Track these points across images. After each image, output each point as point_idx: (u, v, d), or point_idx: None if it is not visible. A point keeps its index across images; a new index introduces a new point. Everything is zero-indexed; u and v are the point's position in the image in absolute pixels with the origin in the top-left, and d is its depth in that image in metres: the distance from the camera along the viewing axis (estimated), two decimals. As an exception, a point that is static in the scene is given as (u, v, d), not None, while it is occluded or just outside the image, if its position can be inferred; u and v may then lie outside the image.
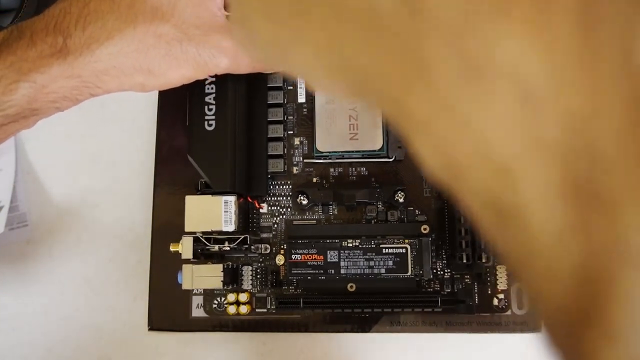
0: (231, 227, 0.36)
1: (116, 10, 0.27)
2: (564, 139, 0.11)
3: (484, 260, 0.34)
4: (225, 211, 0.36)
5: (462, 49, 0.11)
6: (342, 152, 0.39)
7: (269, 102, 0.40)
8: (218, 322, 0.39)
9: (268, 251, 0.39)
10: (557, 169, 0.11)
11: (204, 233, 0.36)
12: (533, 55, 0.11)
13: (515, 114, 0.11)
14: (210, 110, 0.36)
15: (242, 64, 0.32)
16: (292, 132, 0.40)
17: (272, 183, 0.40)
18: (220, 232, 0.36)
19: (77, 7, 0.27)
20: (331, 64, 0.15)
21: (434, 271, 0.37)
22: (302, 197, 0.38)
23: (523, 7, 0.11)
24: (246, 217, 0.39)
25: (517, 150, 0.11)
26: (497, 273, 0.37)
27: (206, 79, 0.36)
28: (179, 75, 0.30)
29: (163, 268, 0.39)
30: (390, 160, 0.39)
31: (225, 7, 0.33)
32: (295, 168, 0.40)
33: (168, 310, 0.39)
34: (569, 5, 0.10)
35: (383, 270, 0.36)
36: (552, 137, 0.11)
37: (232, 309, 0.38)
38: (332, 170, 0.40)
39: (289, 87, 0.41)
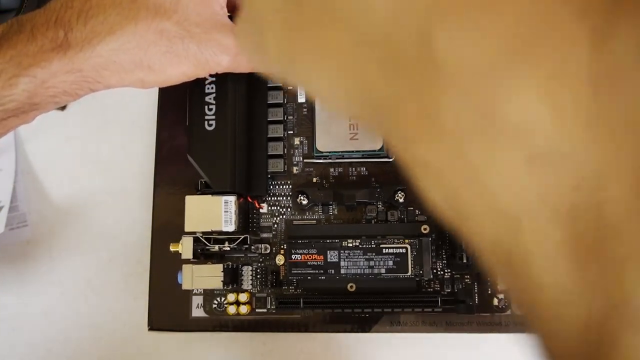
0: (231, 227, 0.36)
1: (118, 5, 0.27)
2: (570, 198, 0.11)
3: (484, 260, 0.34)
4: (225, 211, 0.36)
5: (477, 101, 0.11)
6: (342, 152, 0.39)
7: (269, 102, 0.40)
8: (218, 322, 0.39)
9: (268, 251, 0.39)
10: (563, 227, 0.11)
11: (204, 233, 0.36)
12: (544, 115, 0.11)
13: (524, 171, 0.11)
14: (210, 110, 0.36)
15: (242, 63, 0.32)
16: (292, 132, 0.40)
17: (272, 183, 0.40)
18: (220, 232, 0.36)
19: (79, 2, 0.27)
20: (347, 87, 0.15)
21: (434, 271, 0.37)
22: (302, 197, 0.38)
23: (540, 67, 0.11)
24: (246, 217, 0.39)
25: (524, 206, 0.11)
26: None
27: (206, 79, 0.36)
28: (179, 73, 0.30)
29: (163, 268, 0.39)
30: (391, 160, 0.39)
31: (229, 9, 0.33)
32: (295, 168, 0.40)
33: (168, 310, 0.39)
34: (585, 70, 0.10)
35: (383, 270, 0.36)
36: (557, 195, 0.11)
37: (232, 309, 0.38)
38: (332, 170, 0.40)
39: (289, 87, 0.41)
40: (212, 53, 0.30)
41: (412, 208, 0.38)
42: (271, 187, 0.40)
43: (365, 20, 0.13)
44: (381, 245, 0.36)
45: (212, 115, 0.36)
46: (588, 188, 0.11)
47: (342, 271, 0.36)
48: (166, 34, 0.28)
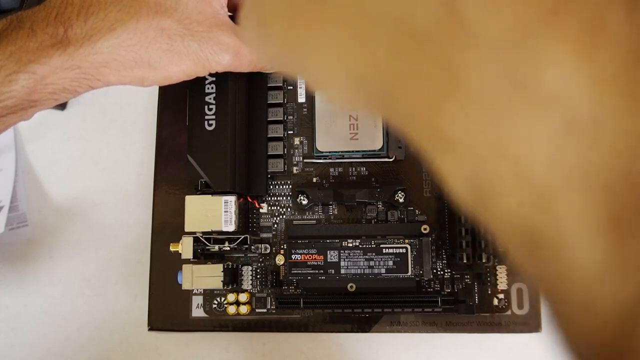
0: (231, 227, 0.36)
1: (119, 2, 0.27)
2: (609, 171, 0.10)
3: (484, 260, 0.34)
4: (225, 211, 0.36)
5: (508, 66, 0.11)
6: (342, 152, 0.39)
7: (269, 102, 0.40)
8: (218, 322, 0.39)
9: (268, 251, 0.39)
10: (600, 202, 0.10)
11: (204, 233, 0.36)
12: (582, 82, 0.10)
13: (559, 141, 0.11)
14: (210, 109, 0.36)
15: (243, 62, 0.32)
16: (292, 131, 0.40)
17: (272, 183, 0.40)
18: (220, 232, 0.36)
19: None
20: (355, 72, 0.14)
21: (434, 271, 0.37)
22: (302, 197, 0.38)
23: (574, 29, 0.10)
24: (246, 217, 0.39)
25: (559, 179, 0.11)
26: (497, 273, 0.37)
27: (206, 79, 0.36)
28: (179, 71, 0.30)
29: (163, 268, 0.39)
30: (391, 160, 0.39)
31: (229, 8, 0.33)
32: (295, 168, 0.40)
33: (168, 310, 0.39)
34: (623, 35, 0.10)
35: (383, 270, 0.36)
36: (596, 168, 0.10)
37: (232, 309, 0.38)
38: (332, 170, 0.40)
39: (289, 87, 0.41)
40: (212, 51, 0.30)
41: (412, 208, 0.38)
42: (271, 187, 0.40)
43: None
44: (381, 245, 0.36)
45: (212, 115, 0.36)
46: (628, 159, 0.10)
47: (342, 271, 0.36)
48: (167, 31, 0.28)
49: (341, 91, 0.15)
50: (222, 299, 0.39)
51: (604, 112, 0.10)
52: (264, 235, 0.39)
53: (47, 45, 0.26)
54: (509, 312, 0.37)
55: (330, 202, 0.39)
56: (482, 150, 0.12)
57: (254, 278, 0.39)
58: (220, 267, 0.36)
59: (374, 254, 0.36)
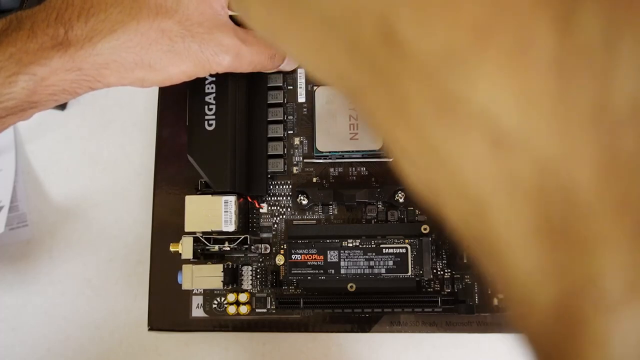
0: (231, 227, 0.36)
1: (120, 3, 0.27)
2: (535, 181, 0.11)
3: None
4: (225, 211, 0.36)
5: (437, 86, 0.11)
6: (342, 152, 0.39)
7: (269, 102, 0.40)
8: (218, 322, 0.39)
9: (268, 251, 0.39)
10: (530, 209, 0.11)
11: (204, 233, 0.36)
12: (506, 98, 0.11)
13: (487, 155, 0.11)
14: (210, 110, 0.36)
15: (243, 63, 0.32)
16: (292, 131, 0.40)
17: (272, 183, 0.40)
18: (220, 232, 0.36)
19: None
20: (322, 65, 0.15)
21: (434, 271, 0.37)
22: (302, 197, 0.38)
23: (500, 48, 0.11)
24: (246, 217, 0.39)
25: (490, 189, 0.11)
26: (497, 273, 0.37)
27: (206, 79, 0.36)
28: (179, 72, 0.30)
29: (163, 268, 0.39)
30: (391, 160, 0.39)
31: (229, 7, 0.33)
32: (295, 168, 0.40)
33: (168, 310, 0.39)
34: (547, 51, 0.10)
35: (383, 270, 0.36)
36: (523, 178, 0.11)
37: (232, 309, 0.38)
38: (332, 170, 0.40)
39: (289, 87, 0.41)
40: (213, 52, 0.30)
41: (412, 208, 0.38)
42: (271, 187, 0.40)
43: (330, 2, 0.13)
44: (381, 245, 0.36)
45: (212, 115, 0.36)
46: (554, 171, 0.11)
47: (342, 271, 0.36)
48: (168, 32, 0.28)
49: (315, 70, 0.16)
50: (222, 299, 0.39)
51: (529, 128, 0.11)
52: (264, 235, 0.39)
53: (48, 47, 0.26)
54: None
55: (330, 202, 0.39)
56: (425, 161, 0.13)
57: (254, 278, 0.39)
58: (220, 267, 0.36)
59: (374, 254, 0.36)
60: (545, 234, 0.11)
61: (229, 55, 0.30)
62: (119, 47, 0.27)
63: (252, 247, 0.37)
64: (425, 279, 0.37)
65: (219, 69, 0.31)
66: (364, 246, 0.36)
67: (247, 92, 0.38)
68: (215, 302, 0.39)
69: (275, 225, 0.39)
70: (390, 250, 0.36)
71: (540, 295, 0.11)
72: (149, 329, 0.39)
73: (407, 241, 0.36)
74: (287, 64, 0.38)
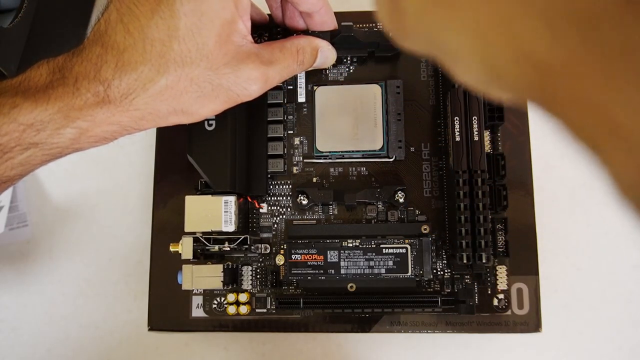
0: (231, 227, 0.36)
1: (148, 60, 0.28)
2: None
3: (484, 261, 0.34)
4: (225, 211, 0.36)
5: None
6: (342, 152, 0.39)
7: (269, 102, 0.40)
8: (218, 322, 0.39)
9: (268, 251, 0.39)
10: None
11: (204, 233, 0.36)
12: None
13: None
14: (210, 110, 0.36)
15: (274, 82, 0.33)
16: (292, 131, 0.40)
17: (272, 183, 0.40)
18: (220, 232, 0.36)
19: (113, 56, 0.28)
20: (493, 53, 0.14)
21: (434, 271, 0.37)
22: (302, 197, 0.38)
23: None
24: (246, 217, 0.39)
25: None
26: (497, 273, 0.37)
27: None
28: (210, 110, 0.31)
29: (163, 268, 0.39)
30: (391, 160, 0.39)
31: (254, 27, 0.33)
32: (295, 168, 0.40)
33: (168, 310, 0.39)
34: None
35: (383, 271, 0.36)
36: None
37: (232, 309, 0.38)
38: (332, 170, 0.40)
39: (289, 87, 0.41)
40: (242, 88, 0.31)
41: (412, 208, 0.38)
42: (271, 187, 0.40)
43: None
44: (381, 246, 0.36)
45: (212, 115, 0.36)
46: None
47: (342, 271, 0.36)
48: (196, 80, 0.29)
49: (472, 72, 0.16)
50: (222, 299, 0.39)
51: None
52: (264, 235, 0.39)
53: (92, 104, 0.28)
54: (509, 312, 0.37)
55: (330, 202, 0.39)
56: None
57: (254, 278, 0.39)
58: (220, 267, 0.36)
59: (374, 254, 0.36)
60: None
61: (257, 85, 0.31)
62: (152, 102, 0.29)
63: (252, 247, 0.37)
64: (425, 279, 0.37)
65: (250, 98, 0.32)
66: (364, 246, 0.36)
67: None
68: (215, 302, 0.39)
69: (275, 225, 0.39)
70: (390, 251, 0.36)
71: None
72: (149, 329, 0.39)
73: (407, 241, 0.36)
74: (322, 61, 0.37)
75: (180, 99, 0.30)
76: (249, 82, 0.31)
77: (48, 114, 0.27)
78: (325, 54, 0.36)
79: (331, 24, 0.36)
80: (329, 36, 0.36)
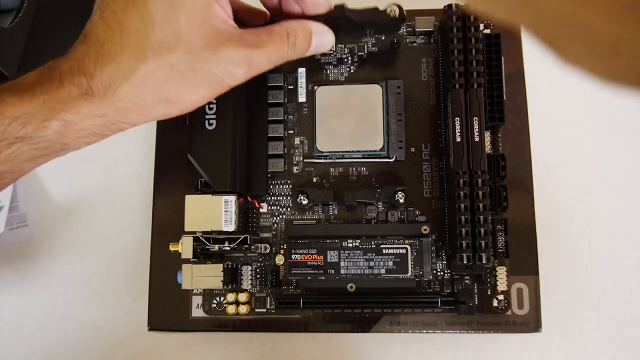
0: (231, 227, 0.36)
1: (126, 49, 0.28)
2: None
3: (484, 262, 0.34)
4: (225, 211, 0.36)
5: None
6: (342, 152, 0.39)
7: (269, 102, 0.40)
8: (218, 322, 0.39)
9: (268, 251, 0.39)
10: None
11: (203, 233, 0.36)
12: None
13: None
14: (210, 109, 0.36)
15: (261, 66, 0.32)
16: (292, 131, 0.40)
17: (272, 183, 0.40)
18: (220, 232, 0.36)
19: (94, 50, 0.29)
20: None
21: (434, 272, 0.37)
22: (302, 197, 0.38)
23: None
24: (246, 216, 0.39)
25: None
26: (497, 274, 0.37)
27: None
28: (198, 97, 0.31)
29: (163, 268, 0.39)
30: (391, 160, 0.39)
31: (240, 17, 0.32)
32: (295, 168, 0.40)
33: (168, 310, 0.39)
34: None
35: (383, 271, 0.36)
36: None
37: (231, 309, 0.38)
38: (332, 170, 0.40)
39: (289, 87, 0.41)
40: (224, 70, 0.30)
41: (412, 208, 0.38)
42: (271, 186, 0.40)
43: None
44: (381, 246, 0.36)
45: (213, 114, 0.36)
46: None
47: (342, 271, 0.36)
48: (176, 65, 0.29)
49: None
50: (222, 298, 0.39)
51: None
52: (264, 235, 0.39)
53: (75, 96, 0.28)
54: (508, 313, 0.37)
55: (330, 202, 0.39)
56: None
57: (253, 278, 0.39)
58: (220, 267, 0.36)
59: (373, 254, 0.36)
60: None
61: (241, 68, 0.31)
62: (135, 91, 0.29)
63: (252, 247, 0.37)
64: (425, 279, 0.37)
65: (236, 82, 0.31)
66: (364, 246, 0.36)
67: (248, 91, 0.38)
68: (215, 301, 0.39)
69: (275, 225, 0.39)
70: (390, 251, 0.36)
71: None
72: (149, 329, 0.39)
73: (407, 242, 0.36)
74: (318, 45, 0.34)
75: (164, 87, 0.29)
76: (232, 65, 0.30)
77: (33, 106, 0.28)
78: (321, 37, 0.34)
79: (324, 5, 0.34)
80: (323, 19, 0.34)
